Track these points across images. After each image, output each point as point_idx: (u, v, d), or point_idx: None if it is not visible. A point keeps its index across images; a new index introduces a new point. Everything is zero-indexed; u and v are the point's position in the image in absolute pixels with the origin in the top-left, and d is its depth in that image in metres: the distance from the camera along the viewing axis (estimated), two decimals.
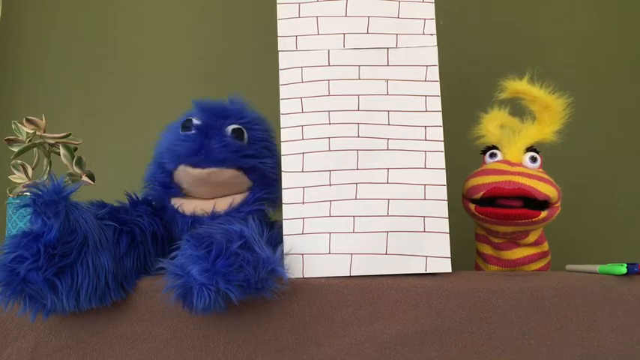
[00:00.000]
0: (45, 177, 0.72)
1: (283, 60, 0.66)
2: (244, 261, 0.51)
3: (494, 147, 0.72)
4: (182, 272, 0.51)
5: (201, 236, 0.54)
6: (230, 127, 0.66)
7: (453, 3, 1.00)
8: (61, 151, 0.72)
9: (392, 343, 0.56)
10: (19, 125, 0.72)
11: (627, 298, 0.56)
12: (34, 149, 0.73)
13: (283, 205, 0.63)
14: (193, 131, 0.64)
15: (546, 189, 0.67)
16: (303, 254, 0.61)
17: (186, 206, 0.66)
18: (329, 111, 0.64)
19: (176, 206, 0.67)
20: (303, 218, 0.62)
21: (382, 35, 0.66)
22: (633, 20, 1.05)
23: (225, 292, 0.50)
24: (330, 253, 0.61)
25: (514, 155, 0.70)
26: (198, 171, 0.64)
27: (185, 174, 0.65)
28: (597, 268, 0.61)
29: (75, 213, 0.53)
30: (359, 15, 0.66)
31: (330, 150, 0.63)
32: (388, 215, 0.62)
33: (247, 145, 0.67)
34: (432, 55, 0.65)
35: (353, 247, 0.61)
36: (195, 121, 0.65)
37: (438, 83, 0.65)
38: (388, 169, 0.63)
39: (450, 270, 0.61)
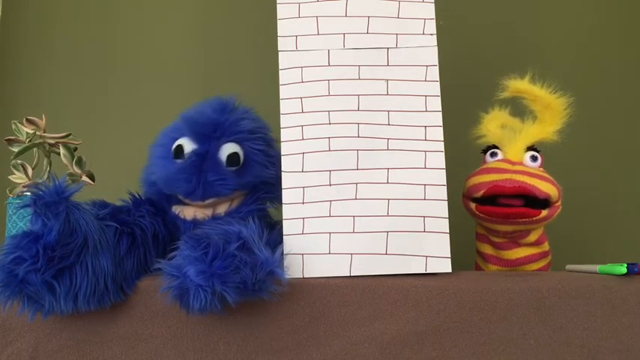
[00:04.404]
0: (45, 177, 0.72)
1: (283, 60, 0.65)
2: (242, 262, 0.51)
3: (495, 146, 0.72)
4: (179, 273, 0.51)
5: (199, 237, 0.53)
6: (224, 152, 0.65)
7: (453, 3, 1.00)
8: (61, 151, 0.72)
9: (392, 343, 0.56)
10: (19, 125, 0.72)
11: (627, 298, 0.56)
12: (34, 149, 0.73)
13: (283, 205, 0.63)
14: (187, 162, 0.64)
15: (547, 187, 0.67)
16: (303, 254, 0.61)
17: (187, 212, 0.67)
18: (329, 111, 0.64)
19: (177, 212, 0.67)
20: (303, 218, 0.62)
21: (382, 35, 0.66)
22: (633, 19, 1.05)
23: (221, 294, 0.50)
24: (330, 253, 0.61)
25: (515, 154, 0.70)
26: (198, 203, 0.66)
27: (184, 199, 0.66)
28: (597, 268, 0.61)
29: (75, 214, 0.53)
30: (359, 15, 0.66)
31: (330, 150, 0.63)
32: (388, 215, 0.62)
33: (244, 168, 0.67)
34: (432, 55, 0.65)
35: (353, 247, 0.61)
36: (187, 149, 0.65)
37: (438, 83, 0.65)
38: (388, 169, 0.63)
39: (450, 270, 0.61)
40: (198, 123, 0.66)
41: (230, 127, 0.67)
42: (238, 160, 0.66)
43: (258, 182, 0.68)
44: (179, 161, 0.65)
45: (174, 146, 0.66)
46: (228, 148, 0.66)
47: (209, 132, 0.66)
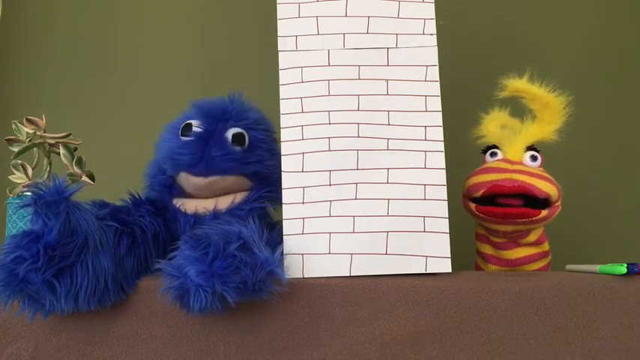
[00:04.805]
0: (45, 177, 0.72)
1: (283, 60, 0.65)
2: (242, 262, 0.51)
3: (495, 146, 0.72)
4: (179, 273, 0.51)
5: (199, 237, 0.53)
6: (230, 132, 0.66)
7: (453, 3, 1.00)
8: (61, 151, 0.72)
9: (392, 343, 0.56)
10: (19, 125, 0.72)
11: (627, 298, 0.56)
12: (34, 149, 0.73)
13: (283, 205, 0.63)
14: (193, 137, 0.64)
15: (547, 187, 0.67)
16: (303, 254, 0.61)
17: (188, 205, 0.67)
18: (329, 111, 0.64)
19: (178, 205, 0.67)
20: (303, 218, 0.62)
21: (382, 35, 0.66)
22: (633, 18, 1.05)
23: (221, 294, 0.50)
24: (330, 253, 0.61)
25: (514, 154, 0.70)
26: (199, 179, 0.65)
27: (186, 180, 0.66)
28: (597, 268, 0.61)
29: (76, 214, 0.53)
30: (359, 15, 0.66)
31: (330, 150, 0.63)
32: (388, 215, 0.62)
33: (248, 151, 0.67)
34: (432, 55, 0.65)
35: (353, 247, 0.61)
36: (195, 127, 0.65)
37: (438, 83, 0.65)
38: (388, 169, 0.63)
39: (450, 270, 0.61)
40: (207, 107, 0.67)
41: (237, 114, 0.68)
42: (244, 141, 0.66)
43: (261, 172, 0.68)
44: (185, 138, 0.65)
45: (182, 124, 0.66)
46: (234, 130, 0.66)
47: (217, 114, 0.66)
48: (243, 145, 0.66)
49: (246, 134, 0.67)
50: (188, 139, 0.65)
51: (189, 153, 0.64)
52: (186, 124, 0.66)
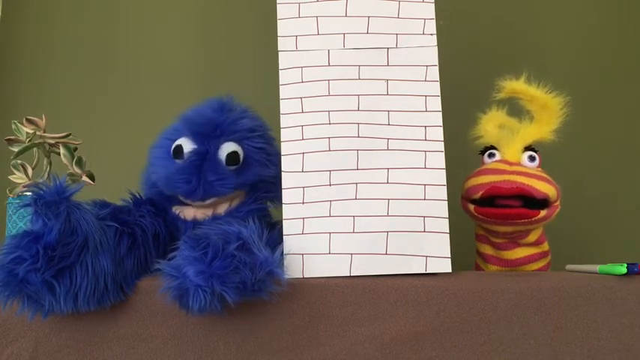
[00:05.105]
0: (45, 177, 0.72)
1: (283, 60, 0.65)
2: (241, 263, 0.51)
3: (493, 147, 0.72)
4: (178, 274, 0.51)
5: (199, 237, 0.53)
6: (224, 151, 0.65)
7: (453, 3, 1.00)
8: (61, 151, 0.72)
9: (392, 343, 0.56)
10: (19, 125, 0.72)
11: (627, 298, 0.56)
12: (34, 149, 0.73)
13: (283, 205, 0.63)
14: (186, 162, 0.64)
15: (545, 187, 0.67)
16: (303, 254, 0.61)
17: (187, 212, 0.67)
18: (329, 111, 0.64)
19: (177, 212, 0.67)
20: (303, 218, 0.62)
21: (382, 35, 0.66)
22: (631, 19, 1.05)
23: (220, 294, 0.50)
24: (330, 253, 0.61)
25: (512, 155, 0.70)
26: (198, 203, 0.66)
27: (184, 200, 0.66)
28: (597, 268, 0.61)
29: (76, 214, 0.53)
30: (359, 15, 0.66)
31: (330, 150, 0.63)
32: (388, 215, 0.62)
33: (244, 166, 0.67)
34: (432, 55, 0.65)
35: (353, 247, 0.61)
36: (187, 149, 0.65)
37: (438, 83, 0.65)
38: (388, 169, 0.63)
39: (450, 270, 0.61)
40: (197, 123, 0.66)
41: (229, 125, 0.67)
42: (238, 159, 0.66)
43: (258, 181, 0.68)
44: (178, 161, 0.65)
45: (173, 146, 0.66)
46: (227, 148, 0.66)
47: (208, 131, 0.66)
48: (237, 163, 0.66)
49: (240, 150, 0.66)
50: (181, 162, 0.65)
51: (184, 181, 0.64)
52: (177, 147, 0.65)
